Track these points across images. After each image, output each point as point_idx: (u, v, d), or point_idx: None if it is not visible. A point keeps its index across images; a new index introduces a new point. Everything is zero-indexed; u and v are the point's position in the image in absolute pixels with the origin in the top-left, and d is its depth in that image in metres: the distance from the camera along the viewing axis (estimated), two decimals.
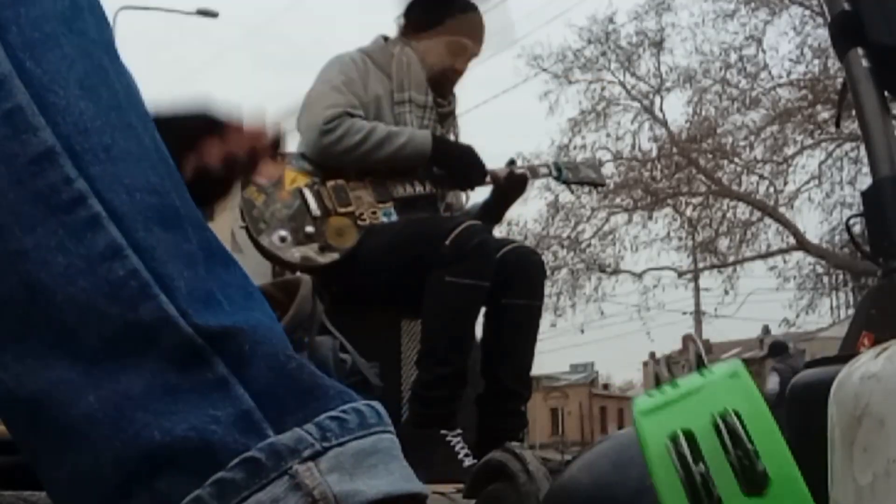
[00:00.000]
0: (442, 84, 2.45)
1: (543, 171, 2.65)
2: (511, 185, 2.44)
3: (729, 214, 15.06)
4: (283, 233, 2.19)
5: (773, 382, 9.52)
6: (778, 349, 11.11)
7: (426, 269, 2.14)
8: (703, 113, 14.98)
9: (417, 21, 2.44)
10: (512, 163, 2.56)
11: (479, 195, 2.55)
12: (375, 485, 0.48)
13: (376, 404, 0.52)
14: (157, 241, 0.48)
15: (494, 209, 2.52)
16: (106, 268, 0.47)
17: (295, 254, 2.19)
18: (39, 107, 0.48)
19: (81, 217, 0.47)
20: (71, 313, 0.47)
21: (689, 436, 0.57)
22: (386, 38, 2.46)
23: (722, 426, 0.56)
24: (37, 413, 0.47)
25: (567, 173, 2.63)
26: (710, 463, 0.55)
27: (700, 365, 0.64)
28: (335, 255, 2.21)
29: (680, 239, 15.48)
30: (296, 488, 0.46)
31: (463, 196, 2.56)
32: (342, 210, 2.25)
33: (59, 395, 0.46)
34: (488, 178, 2.42)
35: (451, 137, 2.49)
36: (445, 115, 2.48)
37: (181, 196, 0.51)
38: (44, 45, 0.49)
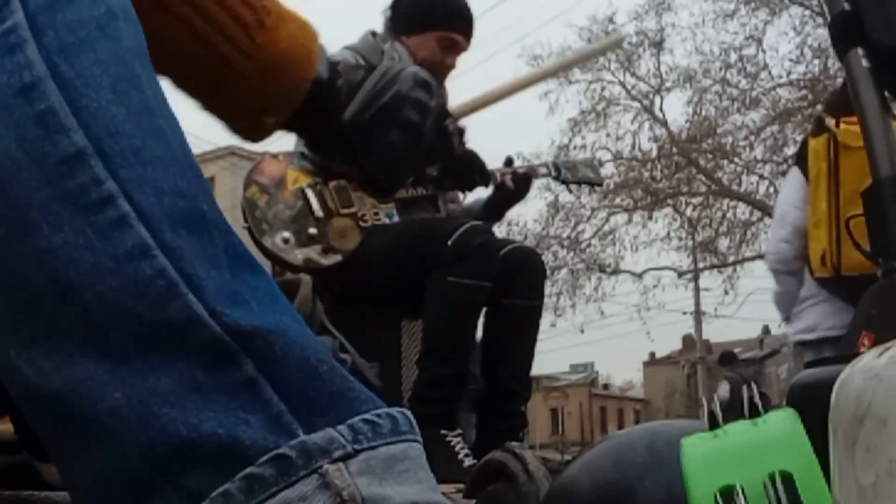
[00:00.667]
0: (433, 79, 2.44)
1: (543, 170, 2.66)
2: (517, 187, 2.45)
3: (729, 214, 15.08)
4: (286, 234, 2.18)
5: (723, 390, 10.10)
6: (728, 359, 11.77)
7: (428, 270, 2.14)
8: (703, 113, 15.00)
9: (407, 18, 2.42)
10: (510, 162, 2.56)
11: (477, 191, 2.55)
12: (404, 492, 0.48)
13: (408, 412, 0.52)
14: (184, 242, 0.49)
15: (496, 208, 2.53)
16: (133, 267, 0.47)
17: (298, 256, 2.18)
18: (72, 109, 0.49)
19: (110, 217, 0.48)
20: (99, 311, 0.47)
21: (740, 493, 0.56)
22: (374, 34, 2.45)
23: (771, 488, 0.55)
24: (61, 408, 0.47)
25: (566, 173, 2.64)
26: None
27: (753, 412, 0.63)
28: (338, 257, 2.21)
29: (680, 239, 15.51)
30: (325, 487, 0.46)
31: (461, 194, 2.56)
32: (344, 211, 2.25)
33: (85, 391, 0.47)
34: (491, 182, 2.43)
35: None
36: None
37: (208, 201, 0.52)
38: (78, 49, 0.50)
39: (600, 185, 2.89)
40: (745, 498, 0.56)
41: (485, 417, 2.24)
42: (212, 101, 0.88)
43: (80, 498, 0.50)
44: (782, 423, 0.60)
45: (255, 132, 0.91)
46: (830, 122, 2.66)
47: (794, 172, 2.92)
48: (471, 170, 2.39)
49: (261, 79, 0.86)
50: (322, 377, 0.49)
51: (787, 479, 0.55)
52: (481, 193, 2.55)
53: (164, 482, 0.46)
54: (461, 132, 2.32)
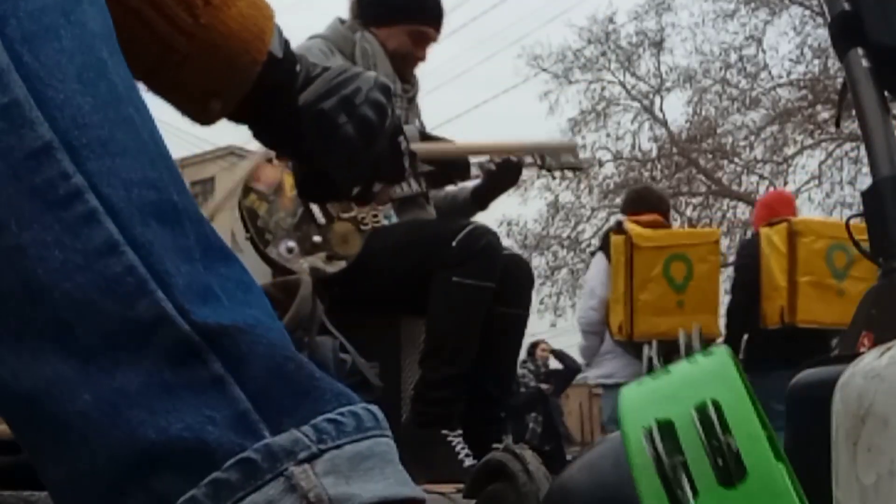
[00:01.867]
0: (405, 69, 2.44)
1: (528, 159, 2.65)
2: (506, 174, 2.44)
3: (729, 214, 15.08)
4: (290, 244, 2.16)
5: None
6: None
7: (431, 272, 2.14)
8: (703, 113, 15.01)
9: (376, 9, 2.41)
10: None
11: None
12: (371, 489, 0.47)
13: (374, 407, 0.51)
14: (154, 236, 0.48)
15: (483, 197, 2.52)
16: (103, 263, 0.46)
17: (303, 265, 2.17)
18: (37, 101, 0.47)
19: (78, 212, 0.47)
20: (68, 309, 0.46)
21: (669, 426, 0.56)
22: (342, 21, 2.44)
23: (700, 417, 0.55)
24: (34, 409, 0.47)
25: (550, 160, 2.64)
26: (689, 454, 0.54)
27: (689, 353, 0.64)
28: (342, 264, 2.20)
29: None
30: (291, 490, 0.46)
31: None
32: (345, 215, 2.23)
33: (56, 392, 0.46)
34: (476, 172, 2.41)
35: (417, 122, 2.49)
36: (410, 99, 2.49)
37: (179, 190, 0.50)
38: (42, 37, 0.49)
39: (581, 169, 2.89)
40: (674, 430, 0.55)
41: (470, 424, 2.24)
42: (152, 84, 0.82)
43: (55, 496, 0.50)
44: (714, 358, 0.60)
45: (202, 116, 0.85)
46: (627, 224, 3.75)
47: (599, 256, 4.10)
48: (455, 162, 2.38)
49: (205, 60, 0.80)
50: (288, 375, 0.48)
51: (717, 407, 0.55)
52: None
53: (133, 486, 0.46)
54: (413, 156, 2.31)
